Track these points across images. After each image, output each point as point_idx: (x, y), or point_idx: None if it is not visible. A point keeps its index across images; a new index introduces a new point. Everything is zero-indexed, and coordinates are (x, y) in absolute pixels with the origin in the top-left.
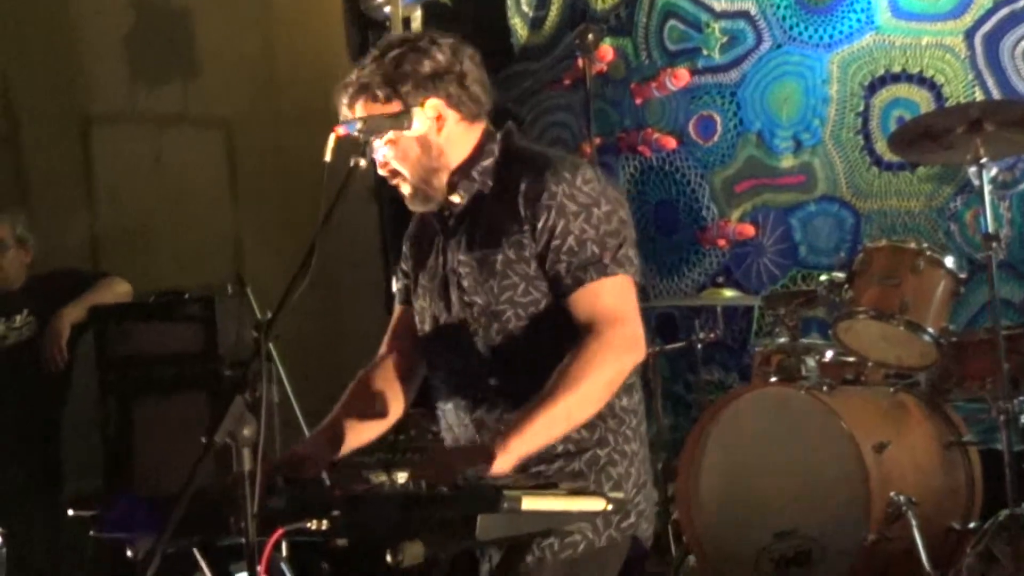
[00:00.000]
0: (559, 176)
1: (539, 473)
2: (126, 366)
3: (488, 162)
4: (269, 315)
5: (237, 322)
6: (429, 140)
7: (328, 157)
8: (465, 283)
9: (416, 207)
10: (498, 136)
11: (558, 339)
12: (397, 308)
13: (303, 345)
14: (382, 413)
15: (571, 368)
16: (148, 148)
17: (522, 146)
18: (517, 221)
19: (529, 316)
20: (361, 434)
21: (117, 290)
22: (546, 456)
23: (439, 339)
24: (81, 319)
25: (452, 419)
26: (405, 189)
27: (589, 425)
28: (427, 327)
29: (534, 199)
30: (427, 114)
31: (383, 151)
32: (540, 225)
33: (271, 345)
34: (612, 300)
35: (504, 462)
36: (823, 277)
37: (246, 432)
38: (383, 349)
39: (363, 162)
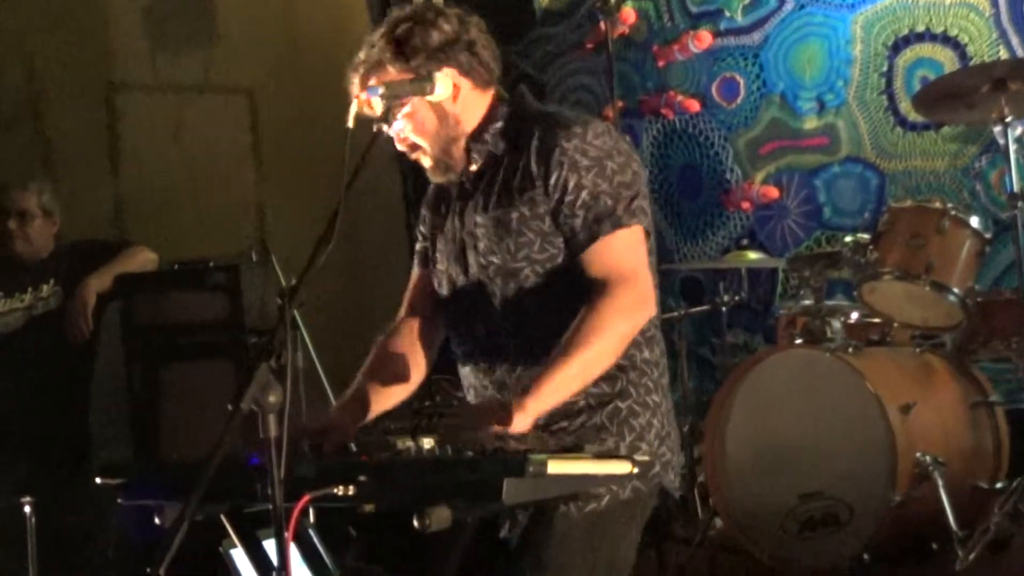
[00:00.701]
0: (570, 132)
1: (562, 429)
2: (151, 335)
3: (500, 124)
4: (294, 282)
5: (262, 289)
6: (446, 110)
7: (350, 123)
8: (481, 244)
9: (438, 178)
10: (509, 99)
11: (575, 296)
12: (415, 272)
13: (328, 311)
14: (404, 378)
15: (584, 326)
16: (171, 117)
17: (533, 107)
18: (530, 179)
19: (546, 273)
20: (385, 400)
21: (142, 259)
22: (569, 411)
23: (458, 301)
24: (107, 288)
25: (473, 381)
26: (426, 161)
27: (609, 378)
28: (445, 290)
29: (546, 156)
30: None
31: (399, 126)
32: (553, 181)
33: (296, 312)
34: (625, 255)
35: (521, 421)
36: (848, 238)
37: (272, 399)
38: (401, 313)
39: (386, 128)
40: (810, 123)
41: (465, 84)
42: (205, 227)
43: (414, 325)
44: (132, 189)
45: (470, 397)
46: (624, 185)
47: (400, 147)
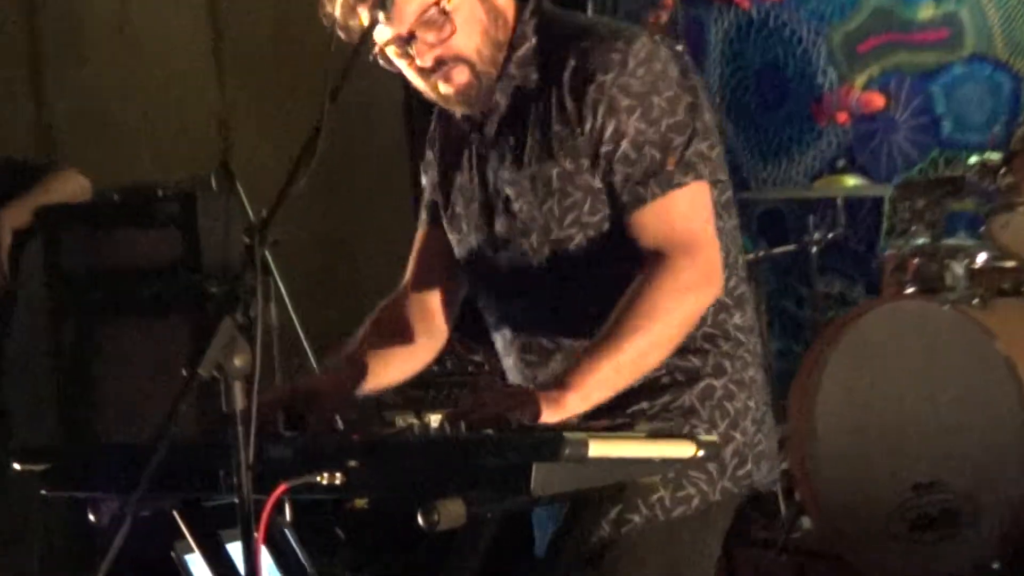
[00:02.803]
0: (607, 60)
1: (639, 412)
2: (85, 283)
3: (525, 49)
4: (264, 215)
5: (224, 225)
6: (495, 2)
7: (337, 11)
8: (516, 206)
9: (461, 106)
10: (528, 15)
11: (632, 258)
12: (422, 228)
13: (310, 256)
14: (407, 348)
15: (640, 306)
16: (112, 8)
17: (559, 21)
18: (567, 121)
19: (600, 236)
20: (388, 370)
21: (71, 186)
22: (651, 388)
23: (485, 274)
24: (25, 224)
25: (508, 351)
26: (460, 77)
27: (699, 351)
28: (468, 260)
29: (580, 92)
30: None
31: (426, 36)
32: (588, 127)
33: (267, 254)
34: (682, 220)
35: (554, 419)
36: (973, 159)
37: (238, 362)
38: (408, 276)
39: (383, 18)
40: (925, 11)
41: None
42: (154, 147)
43: (422, 291)
44: (60, 98)
45: (507, 364)
46: (676, 128)
47: (422, 62)
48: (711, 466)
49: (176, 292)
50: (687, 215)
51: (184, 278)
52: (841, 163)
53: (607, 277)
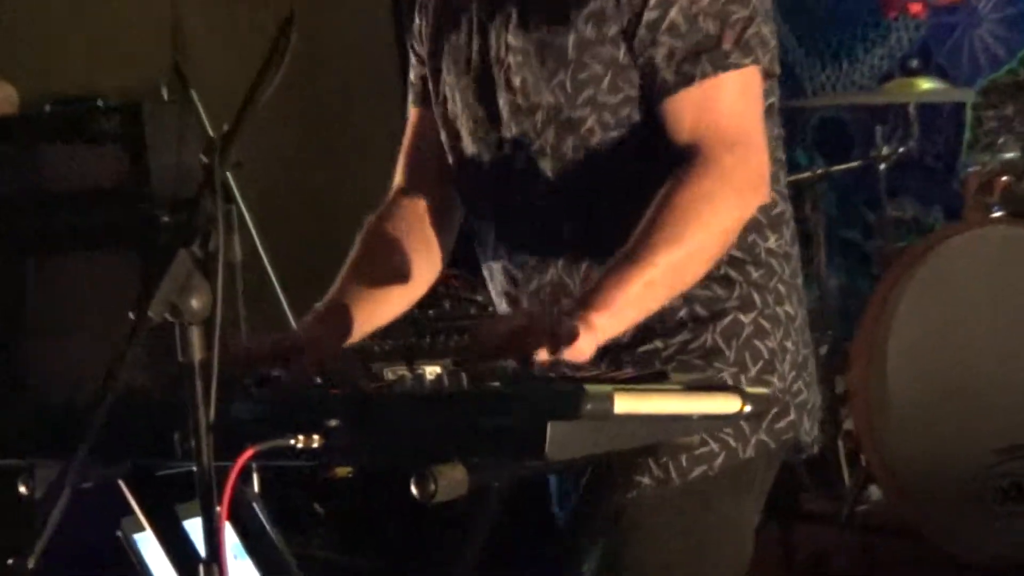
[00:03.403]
0: None
1: (652, 352)
2: (12, 210)
3: None
4: (226, 130)
5: (177, 141)
6: None
7: None
8: (519, 79)
9: None
10: None
11: (656, 157)
12: (412, 113)
13: (280, 176)
14: (406, 276)
15: (675, 211)
16: None
17: None
18: None
19: (618, 123)
20: (379, 310)
21: None
22: (664, 325)
23: (481, 164)
24: None
25: (507, 283)
26: None
27: (723, 279)
28: (461, 145)
29: None
30: None
31: None
32: None
33: (230, 176)
34: (731, 110)
35: (585, 345)
36: None
37: (195, 303)
38: (397, 179)
39: None
40: None
41: None
42: (94, 51)
43: (418, 197)
44: None
45: (503, 308)
46: (738, 0)
47: None
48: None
49: (121, 221)
50: (738, 104)
51: (130, 204)
52: (914, 63)
53: (626, 177)
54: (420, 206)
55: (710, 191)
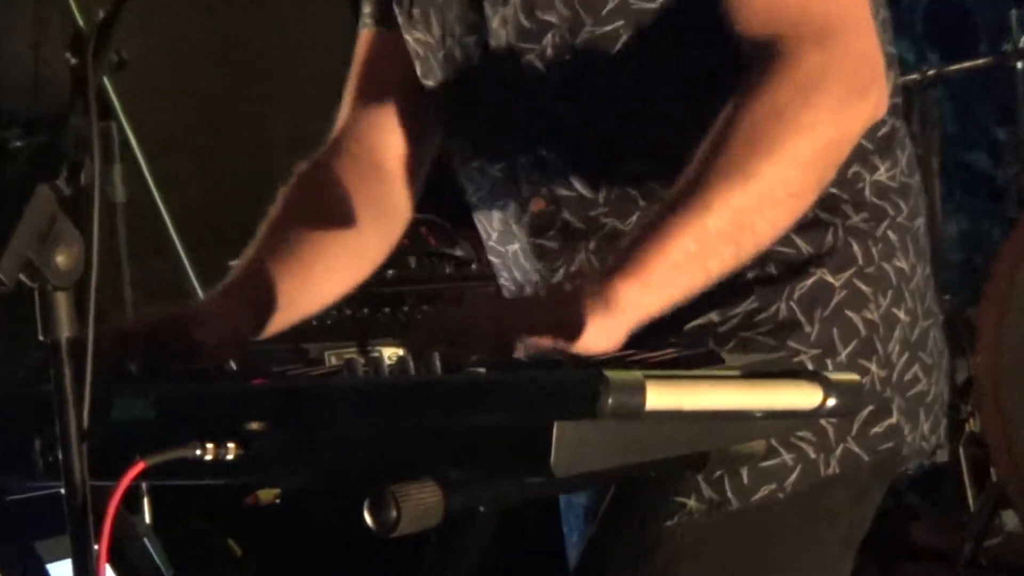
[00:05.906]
0: None
1: (707, 326)
2: None
3: None
4: (103, 18)
5: (33, 34)
6: None
7: None
8: None
9: None
10: None
11: (719, 68)
12: (364, 35)
13: (179, 84)
14: (359, 238)
15: (740, 135)
16: None
17: None
18: None
19: (662, 32)
20: (311, 288)
21: None
22: (720, 290)
23: (465, 101)
24: None
25: (504, 242)
26: None
27: (810, 225)
28: (437, 77)
29: None
30: None
31: None
32: None
33: (108, 83)
34: None
35: (607, 331)
36: None
37: (62, 260)
38: (345, 111)
39: None
40: None
41: None
42: None
43: (372, 138)
44: None
45: (503, 280)
46: None
47: None
48: (827, 423)
49: None
50: None
51: None
52: None
53: (677, 102)
54: (371, 149)
55: (789, 103)
